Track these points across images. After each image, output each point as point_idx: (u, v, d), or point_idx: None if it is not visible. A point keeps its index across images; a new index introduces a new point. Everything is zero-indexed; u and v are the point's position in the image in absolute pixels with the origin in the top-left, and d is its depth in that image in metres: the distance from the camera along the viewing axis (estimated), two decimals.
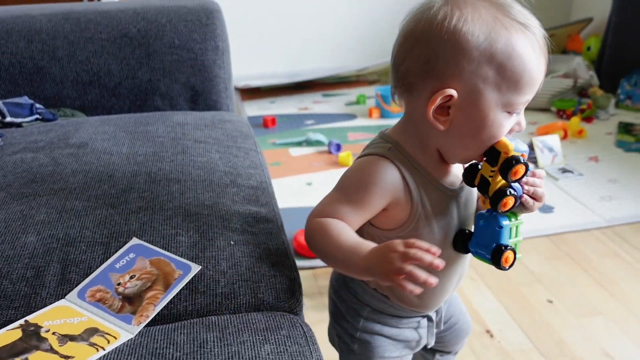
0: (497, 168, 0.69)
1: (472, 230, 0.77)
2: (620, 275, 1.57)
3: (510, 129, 0.71)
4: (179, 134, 1.30)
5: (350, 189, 0.72)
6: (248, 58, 3.20)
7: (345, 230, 0.71)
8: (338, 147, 2.34)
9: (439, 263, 0.62)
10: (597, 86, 2.75)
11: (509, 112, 0.69)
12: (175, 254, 0.87)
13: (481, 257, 0.75)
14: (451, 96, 0.66)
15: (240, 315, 0.80)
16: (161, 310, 0.78)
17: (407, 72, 0.69)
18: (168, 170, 1.12)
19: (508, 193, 0.69)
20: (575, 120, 2.42)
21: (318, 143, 2.43)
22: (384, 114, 2.69)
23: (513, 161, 0.67)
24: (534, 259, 1.64)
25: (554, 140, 2.16)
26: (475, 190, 0.79)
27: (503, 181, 0.69)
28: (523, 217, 0.75)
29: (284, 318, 0.80)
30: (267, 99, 3.04)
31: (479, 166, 0.72)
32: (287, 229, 1.78)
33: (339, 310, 0.89)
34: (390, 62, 0.73)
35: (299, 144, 2.45)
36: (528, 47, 0.67)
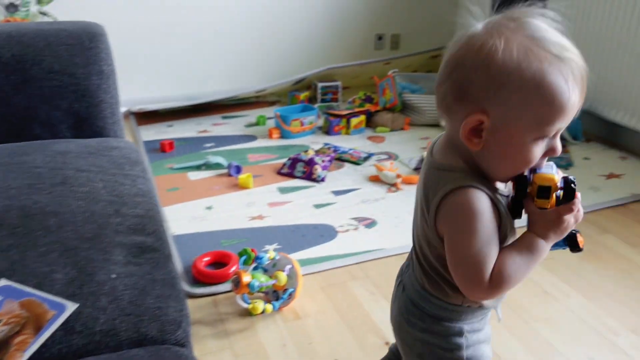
0: (554, 199, 0.75)
1: None
2: None
3: (545, 153, 0.75)
4: (59, 163, 1.23)
5: (477, 235, 0.73)
6: (143, 81, 3.12)
7: (510, 252, 0.75)
8: (238, 169, 2.32)
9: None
10: None
11: (540, 139, 0.72)
12: (50, 293, 0.82)
13: (558, 247, 0.81)
14: (482, 121, 0.71)
15: (122, 352, 0.76)
16: (31, 356, 0.73)
17: (445, 95, 0.74)
18: (45, 203, 1.05)
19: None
20: None
21: (217, 166, 2.40)
22: (283, 135, 2.71)
23: (572, 185, 0.74)
24: None
25: None
26: None
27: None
28: None
29: (170, 351, 0.77)
30: (164, 122, 2.96)
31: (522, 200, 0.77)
32: (187, 255, 1.74)
33: (435, 345, 0.87)
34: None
35: (198, 167, 2.40)
36: (559, 78, 0.69)
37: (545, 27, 0.71)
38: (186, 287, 1.58)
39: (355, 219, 1.98)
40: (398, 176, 2.22)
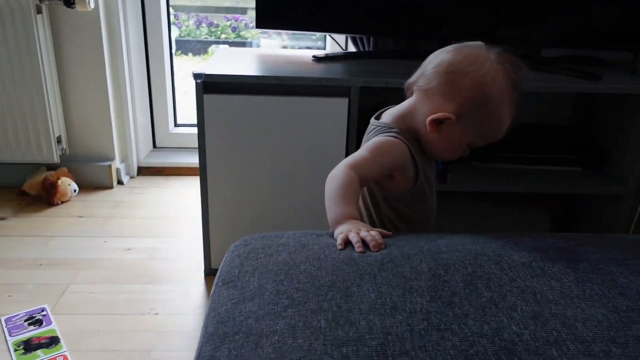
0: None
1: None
2: None
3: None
4: None
5: (375, 150, 0.90)
6: None
7: (352, 186, 0.85)
8: None
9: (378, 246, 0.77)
10: None
11: (469, 146, 0.94)
12: None
13: (437, 167, 1.08)
14: (450, 118, 0.89)
15: None
16: None
17: (432, 81, 0.90)
18: None
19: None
20: None
21: None
22: None
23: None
24: None
25: None
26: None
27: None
28: None
29: None
30: None
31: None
32: None
33: None
34: (427, 64, 0.93)
35: None
36: (509, 117, 0.91)
37: (513, 71, 0.89)
38: None
39: None
40: None
